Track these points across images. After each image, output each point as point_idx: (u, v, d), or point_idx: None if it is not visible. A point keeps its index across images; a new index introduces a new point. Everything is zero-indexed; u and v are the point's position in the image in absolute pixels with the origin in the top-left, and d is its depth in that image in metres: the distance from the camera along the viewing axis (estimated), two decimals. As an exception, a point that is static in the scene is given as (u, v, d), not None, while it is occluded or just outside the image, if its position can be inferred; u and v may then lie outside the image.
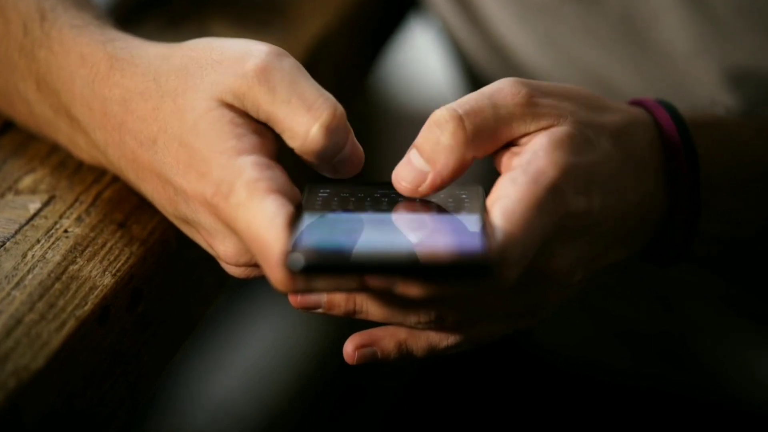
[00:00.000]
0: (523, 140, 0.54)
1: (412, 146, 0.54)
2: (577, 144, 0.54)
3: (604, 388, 0.88)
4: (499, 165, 0.55)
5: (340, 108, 0.53)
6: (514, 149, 0.54)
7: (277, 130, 0.54)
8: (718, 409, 0.86)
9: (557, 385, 0.90)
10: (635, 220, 0.57)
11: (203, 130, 0.54)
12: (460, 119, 0.53)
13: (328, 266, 0.48)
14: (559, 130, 0.54)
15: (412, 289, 0.51)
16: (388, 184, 0.56)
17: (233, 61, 0.55)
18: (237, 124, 0.54)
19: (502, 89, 0.54)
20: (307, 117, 0.53)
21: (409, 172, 0.54)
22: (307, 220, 0.51)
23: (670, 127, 0.59)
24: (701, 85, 0.75)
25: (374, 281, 0.50)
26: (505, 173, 0.53)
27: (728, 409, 0.86)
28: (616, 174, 0.56)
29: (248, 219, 0.51)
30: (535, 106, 0.54)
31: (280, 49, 0.55)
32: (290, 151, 0.55)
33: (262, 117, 0.54)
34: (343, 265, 0.48)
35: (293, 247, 0.48)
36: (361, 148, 0.55)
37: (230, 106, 0.54)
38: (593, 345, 0.90)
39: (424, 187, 0.54)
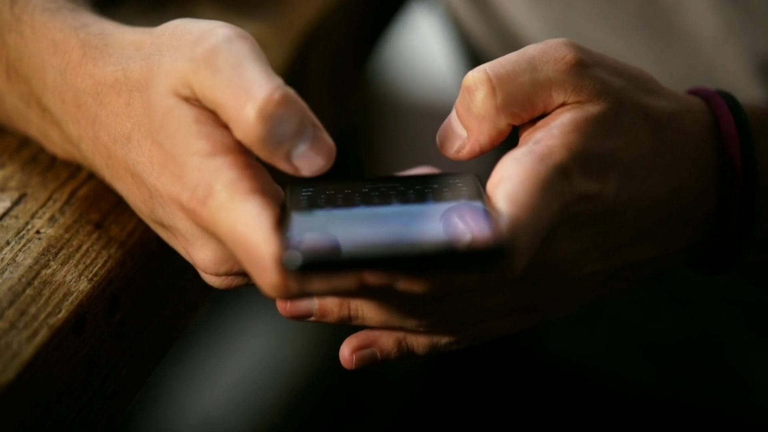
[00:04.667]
0: (555, 112, 0.54)
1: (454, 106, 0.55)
2: (604, 127, 0.53)
3: (629, 403, 0.88)
4: (521, 135, 0.55)
5: (283, 91, 0.51)
6: (539, 123, 0.54)
7: (224, 119, 0.52)
8: (755, 428, 0.85)
9: (575, 399, 0.90)
10: (665, 216, 0.57)
11: (170, 130, 0.53)
12: (491, 85, 0.53)
13: (328, 262, 0.47)
14: (590, 109, 0.53)
15: (415, 285, 0.50)
16: (376, 180, 0.56)
17: (188, 46, 0.53)
18: (202, 122, 0.52)
19: (546, 51, 0.54)
20: (245, 101, 0.51)
21: (448, 135, 0.55)
22: (296, 218, 0.51)
23: (727, 122, 0.58)
24: (728, 74, 0.75)
25: (375, 278, 0.50)
26: (510, 151, 0.52)
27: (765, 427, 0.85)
28: (645, 163, 0.55)
29: (231, 222, 0.50)
30: (578, 76, 0.54)
31: (241, 31, 0.53)
32: None
33: (209, 106, 0.52)
34: (343, 260, 0.47)
35: (287, 245, 0.48)
36: (329, 143, 0.52)
37: (188, 100, 0.53)
38: (614, 356, 0.89)
39: (464, 154, 0.55)
